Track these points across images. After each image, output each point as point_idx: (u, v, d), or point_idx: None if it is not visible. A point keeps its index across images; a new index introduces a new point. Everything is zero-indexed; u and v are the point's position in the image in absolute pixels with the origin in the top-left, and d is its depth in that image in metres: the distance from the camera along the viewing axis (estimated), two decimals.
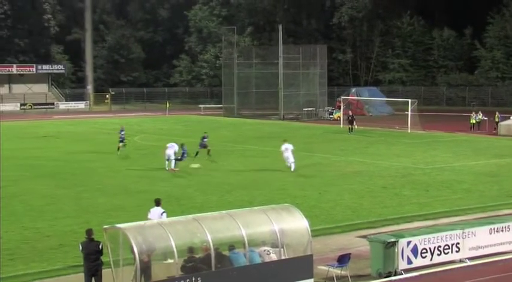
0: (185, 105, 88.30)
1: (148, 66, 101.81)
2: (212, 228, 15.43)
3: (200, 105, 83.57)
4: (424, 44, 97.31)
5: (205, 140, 39.27)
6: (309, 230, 16.50)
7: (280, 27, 74.19)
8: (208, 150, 38.76)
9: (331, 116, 69.99)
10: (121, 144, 40.46)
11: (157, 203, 18.97)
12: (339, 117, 63.35)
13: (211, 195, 27.52)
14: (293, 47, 77.69)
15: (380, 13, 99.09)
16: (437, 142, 46.98)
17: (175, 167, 34.03)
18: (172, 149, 34.14)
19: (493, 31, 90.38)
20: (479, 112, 56.79)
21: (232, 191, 28.49)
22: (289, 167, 33.76)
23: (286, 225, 16.46)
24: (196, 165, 35.16)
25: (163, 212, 18.64)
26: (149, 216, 18.54)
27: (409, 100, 56.76)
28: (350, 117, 54.63)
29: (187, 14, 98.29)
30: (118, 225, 15.19)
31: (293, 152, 34.37)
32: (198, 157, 37.71)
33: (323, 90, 75.81)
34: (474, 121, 55.68)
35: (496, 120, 54.96)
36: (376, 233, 20.57)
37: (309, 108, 72.55)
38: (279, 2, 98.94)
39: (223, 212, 17.25)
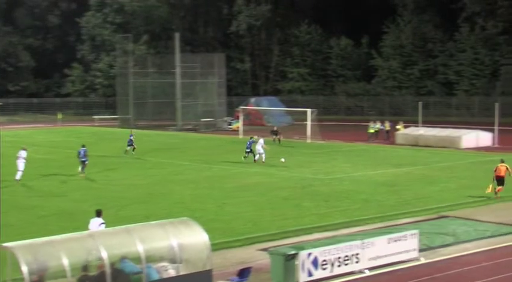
0: (79, 116, 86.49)
1: (38, 75, 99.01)
2: (107, 245, 15.18)
3: (94, 116, 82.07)
4: (323, 53, 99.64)
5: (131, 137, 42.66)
6: (208, 244, 16.52)
7: (176, 35, 74.07)
8: (134, 148, 42.31)
9: (230, 127, 70.38)
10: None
11: (98, 213, 19.35)
12: (238, 127, 63.83)
13: (108, 210, 26.97)
14: (190, 56, 77.73)
15: (278, 21, 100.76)
16: (337, 152, 48.16)
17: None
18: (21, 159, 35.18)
19: (388, 40, 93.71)
20: (377, 121, 58.66)
21: (129, 205, 28.13)
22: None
23: (184, 240, 16.42)
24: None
25: (102, 223, 18.94)
26: (89, 226, 18.97)
27: (309, 110, 57.91)
28: (274, 130, 54.52)
29: (79, 21, 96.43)
30: (5, 245, 14.68)
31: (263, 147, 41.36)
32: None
33: (222, 100, 76.17)
34: (372, 131, 57.46)
35: (387, 128, 57.01)
36: (277, 246, 20.83)
37: (208, 119, 72.72)
38: (175, 9, 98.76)
39: (119, 227, 16.99)
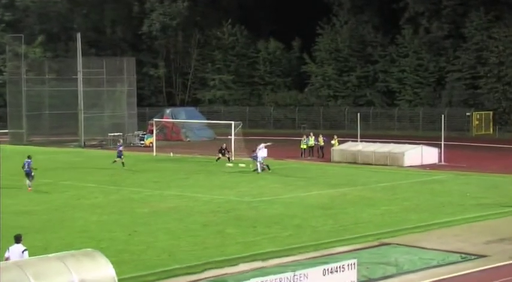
0: None
1: None
2: None
3: None
4: (249, 57, 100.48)
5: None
6: (116, 279, 16.33)
7: (78, 35, 73.27)
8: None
9: (142, 142, 70.02)
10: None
11: (18, 239, 18.89)
12: (151, 143, 63.52)
13: None
14: (95, 60, 77.05)
15: (197, 21, 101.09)
16: (265, 171, 48.45)
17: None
18: None
19: (323, 44, 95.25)
20: (311, 135, 59.31)
21: (23, 236, 27.51)
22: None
23: (88, 275, 16.22)
24: None
25: (25, 249, 18.56)
26: (7, 255, 18.44)
27: (233, 122, 58.14)
28: (222, 149, 54.05)
29: None
30: None
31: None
32: None
33: (132, 112, 75.72)
34: (305, 146, 58.13)
35: (321, 144, 57.82)
36: (197, 280, 20.72)
37: (116, 133, 72.06)
38: (76, 5, 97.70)
39: (9, 261, 16.58)
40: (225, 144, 54.77)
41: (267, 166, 47.85)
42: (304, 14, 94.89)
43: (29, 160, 41.22)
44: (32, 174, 40.80)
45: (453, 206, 34.20)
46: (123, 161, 50.34)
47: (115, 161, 50.79)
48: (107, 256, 16.94)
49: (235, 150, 55.76)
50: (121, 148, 51.85)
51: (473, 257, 24.14)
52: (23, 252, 18.59)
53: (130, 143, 71.05)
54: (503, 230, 28.28)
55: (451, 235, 27.71)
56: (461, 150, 61.17)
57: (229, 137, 57.37)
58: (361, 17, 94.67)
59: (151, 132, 66.38)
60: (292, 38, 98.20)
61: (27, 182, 40.67)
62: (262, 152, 48.02)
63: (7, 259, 18.30)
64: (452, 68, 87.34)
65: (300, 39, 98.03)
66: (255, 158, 47.98)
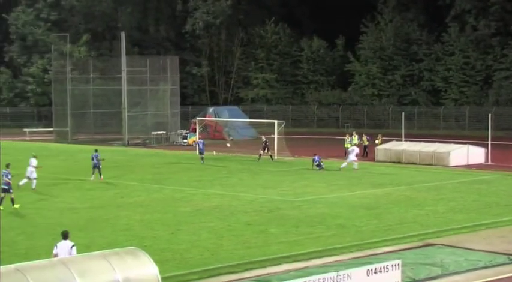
0: (6, 128, 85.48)
1: None
2: (40, 280, 15.03)
3: (25, 129, 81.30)
4: (292, 55, 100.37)
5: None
6: (159, 277, 16.44)
7: (122, 34, 73.90)
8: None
9: (185, 141, 70.35)
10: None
11: (65, 235, 19.08)
12: (194, 141, 63.81)
13: (39, 240, 26.76)
14: (139, 59, 77.63)
15: (240, 19, 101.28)
16: (308, 170, 48.37)
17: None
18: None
19: (367, 42, 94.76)
20: (355, 134, 59.03)
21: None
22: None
23: (131, 273, 16.34)
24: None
25: (73, 245, 18.78)
26: (55, 251, 18.63)
27: (276, 121, 58.15)
28: (265, 143, 54.72)
29: (7, 18, 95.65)
30: None
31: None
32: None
33: (175, 111, 76.15)
34: (349, 145, 57.82)
35: (365, 143, 57.55)
36: (239, 279, 20.75)
37: (159, 132, 72.59)
38: (120, 4, 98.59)
39: (54, 259, 16.77)
40: (264, 137, 55.09)
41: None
42: (347, 12, 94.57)
43: (96, 153, 43.84)
44: (100, 166, 43.30)
45: (500, 207, 33.78)
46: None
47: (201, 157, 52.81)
48: (150, 255, 17.06)
49: (278, 149, 55.77)
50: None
51: None
52: (71, 247, 18.73)
53: (174, 142, 71.48)
54: None
55: (497, 236, 27.38)
56: (509, 150, 60.36)
57: (272, 136, 57.38)
58: (406, 14, 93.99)
59: (194, 130, 66.68)
60: (335, 36, 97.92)
61: (94, 175, 43.07)
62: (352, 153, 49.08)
63: (55, 256, 18.46)
64: (500, 66, 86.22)
65: (344, 38, 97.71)
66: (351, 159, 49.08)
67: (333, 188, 40.31)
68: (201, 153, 53.64)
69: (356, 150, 49.83)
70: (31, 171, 39.78)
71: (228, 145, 58.77)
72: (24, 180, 39.60)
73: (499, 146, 56.10)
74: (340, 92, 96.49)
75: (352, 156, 48.93)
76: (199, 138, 60.03)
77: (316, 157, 49.12)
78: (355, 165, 48.45)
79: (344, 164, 48.51)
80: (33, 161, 40.32)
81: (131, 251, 17.47)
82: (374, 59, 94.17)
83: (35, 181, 39.76)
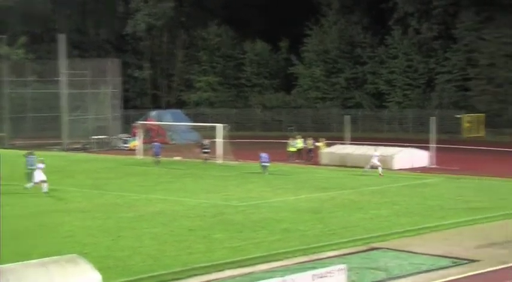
0: None
1: None
2: None
3: None
4: (235, 58, 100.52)
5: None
6: None
7: (61, 37, 73.02)
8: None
9: (126, 145, 69.82)
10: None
11: None
12: (136, 146, 63.43)
13: None
14: (79, 62, 76.79)
15: (183, 21, 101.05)
16: (253, 174, 48.49)
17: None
18: None
19: (311, 45, 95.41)
20: (299, 138, 59.27)
21: (4, 242, 27.42)
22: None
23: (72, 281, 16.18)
24: None
25: None
26: None
27: (219, 125, 58.16)
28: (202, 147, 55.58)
29: None
30: None
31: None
32: None
33: (116, 114, 75.55)
34: (293, 149, 58.16)
35: (310, 146, 57.92)
36: None
37: (100, 136, 71.92)
38: (59, 5, 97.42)
39: None
40: (206, 141, 55.47)
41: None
42: (291, 14, 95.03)
43: (32, 156, 43.72)
44: (36, 169, 41.31)
45: (443, 210, 34.32)
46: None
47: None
48: (91, 262, 16.92)
49: (222, 154, 55.79)
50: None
51: (464, 261, 24.24)
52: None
53: (115, 146, 70.91)
54: (494, 235, 28.39)
55: (441, 239, 27.81)
56: (452, 153, 61.34)
57: (216, 139, 57.35)
58: (350, 17, 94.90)
59: (136, 135, 66.23)
60: (279, 39, 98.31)
61: (33, 181, 40.68)
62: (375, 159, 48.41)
63: None
64: (442, 69, 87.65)
65: (288, 40, 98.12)
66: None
67: (278, 192, 40.46)
68: (156, 156, 53.47)
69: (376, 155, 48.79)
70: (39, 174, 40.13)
71: (177, 158, 58.41)
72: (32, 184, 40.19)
73: (443, 149, 56.87)
74: (284, 95, 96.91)
75: (375, 161, 48.12)
76: (156, 141, 59.78)
77: (263, 154, 49.19)
78: (380, 170, 47.65)
79: (380, 170, 47.88)
80: (41, 166, 40.91)
81: (72, 258, 17.31)
82: (318, 62, 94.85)
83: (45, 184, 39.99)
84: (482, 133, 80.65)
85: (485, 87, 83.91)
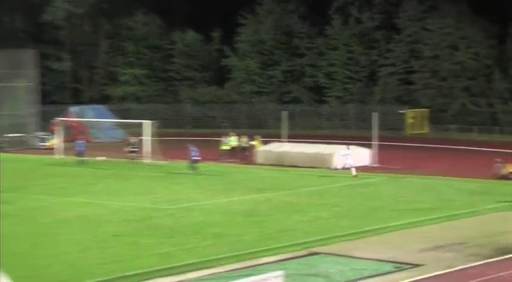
0: None
1: None
2: None
3: None
4: (163, 49, 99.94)
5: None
6: None
7: None
8: None
9: (43, 144, 68.90)
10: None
11: None
12: (54, 144, 62.69)
13: None
14: None
15: (106, 9, 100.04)
16: (183, 175, 48.44)
17: None
18: None
19: (245, 35, 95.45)
20: (232, 135, 59.34)
21: None
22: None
23: None
24: None
25: None
26: None
27: (146, 121, 57.88)
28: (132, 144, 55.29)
29: None
30: None
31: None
32: None
33: (33, 110, 74.48)
34: (226, 147, 58.23)
35: (245, 145, 58.05)
36: None
37: (16, 134, 70.82)
38: None
39: None
40: (133, 139, 55.27)
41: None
42: (224, 3, 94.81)
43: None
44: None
45: (386, 212, 34.85)
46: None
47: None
48: (7, 272, 16.72)
49: (150, 153, 55.58)
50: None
51: (408, 266, 24.64)
52: None
53: (31, 145, 69.94)
54: (438, 237, 28.95)
55: (384, 243, 28.24)
56: (395, 151, 62.26)
57: (143, 137, 57.10)
58: (287, 5, 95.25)
59: (55, 132, 65.40)
60: (211, 29, 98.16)
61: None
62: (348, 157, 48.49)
63: None
64: (385, 61, 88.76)
65: (220, 30, 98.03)
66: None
67: (210, 193, 40.51)
68: (80, 155, 53.32)
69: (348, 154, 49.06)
70: None
71: (101, 158, 57.91)
72: None
73: (385, 147, 57.66)
74: (217, 89, 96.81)
75: (349, 162, 48.31)
76: (79, 140, 59.11)
77: (193, 148, 49.07)
78: (353, 171, 47.70)
79: (354, 171, 47.83)
80: None
81: None
82: (253, 54, 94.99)
83: None
84: (426, 129, 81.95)
85: (429, 80, 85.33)
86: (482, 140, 74.00)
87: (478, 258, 25.52)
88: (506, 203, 36.55)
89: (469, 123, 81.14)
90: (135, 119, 64.88)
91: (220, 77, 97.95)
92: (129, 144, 56.33)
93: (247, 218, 33.24)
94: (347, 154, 49.04)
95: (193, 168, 48.58)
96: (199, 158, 49.04)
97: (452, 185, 43.91)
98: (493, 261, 25.09)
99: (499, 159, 47.76)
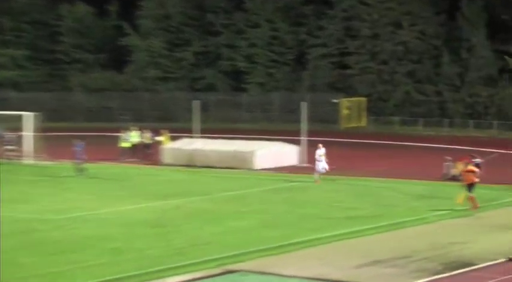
0: None
1: None
2: None
3: None
4: (49, 26, 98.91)
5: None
6: None
7: None
8: None
9: None
10: None
11: None
12: None
13: None
14: None
15: None
16: (73, 178, 48.05)
17: None
18: None
19: (148, 9, 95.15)
20: (134, 130, 59.08)
21: None
22: None
23: None
24: None
25: None
26: None
27: (28, 113, 57.22)
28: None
29: None
30: None
31: None
32: None
33: None
34: (127, 144, 57.87)
35: (148, 141, 57.88)
36: None
37: None
38: None
39: None
40: (10, 134, 54.70)
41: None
42: None
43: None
44: None
45: (318, 220, 35.14)
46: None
47: None
48: None
49: (33, 151, 54.99)
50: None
51: None
52: None
53: None
54: (377, 250, 29.32)
55: (314, 257, 28.49)
56: (328, 148, 62.58)
57: (23, 133, 56.47)
58: None
59: None
60: (107, 1, 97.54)
61: None
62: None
63: None
64: (316, 41, 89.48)
65: (118, 3, 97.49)
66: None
67: (107, 200, 40.29)
68: None
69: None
70: None
71: None
72: None
73: (316, 143, 58.15)
74: (115, 74, 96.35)
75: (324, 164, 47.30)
76: None
77: (77, 144, 48.79)
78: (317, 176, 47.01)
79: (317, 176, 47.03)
80: None
81: None
82: (158, 31, 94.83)
83: None
84: (364, 122, 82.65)
85: (367, 64, 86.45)
86: (429, 134, 75.43)
87: (424, 274, 25.94)
88: (457, 210, 37.19)
89: (414, 114, 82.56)
90: (13, 111, 64.07)
91: (119, 59, 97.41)
92: (6, 141, 55.53)
93: (152, 229, 33.18)
94: (320, 154, 47.99)
95: (80, 170, 48.24)
96: (84, 157, 48.66)
97: (394, 188, 44.55)
98: (441, 278, 25.58)
99: (448, 158, 48.60)
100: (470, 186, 37.15)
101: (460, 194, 37.62)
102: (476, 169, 38.66)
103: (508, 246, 29.20)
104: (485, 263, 26.80)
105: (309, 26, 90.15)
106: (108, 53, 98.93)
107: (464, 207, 37.03)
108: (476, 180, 37.52)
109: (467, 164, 39.62)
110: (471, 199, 36.99)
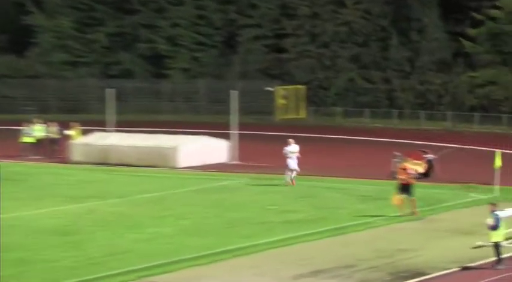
0: None
1: None
2: None
3: None
4: None
5: None
6: None
7: None
8: None
9: None
10: None
11: None
12: None
13: None
14: None
15: None
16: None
17: None
18: None
19: None
20: (38, 123, 58.83)
21: None
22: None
23: None
24: None
25: None
26: None
27: None
28: None
29: None
30: None
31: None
32: None
33: None
34: (29, 139, 57.49)
35: (55, 136, 57.58)
36: None
37: None
38: None
39: None
40: None
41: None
42: None
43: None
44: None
45: (251, 225, 35.38)
46: None
47: None
48: None
49: None
50: None
51: None
52: None
53: None
54: (318, 258, 29.64)
55: (247, 267, 28.74)
56: (261, 143, 63.12)
57: None
58: None
59: None
60: None
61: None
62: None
63: None
64: (248, 21, 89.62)
65: None
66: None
67: (9, 204, 40.02)
68: None
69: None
70: None
71: None
72: None
73: (248, 137, 58.39)
74: (15, 58, 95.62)
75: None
76: None
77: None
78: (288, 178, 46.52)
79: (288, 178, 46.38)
80: None
81: None
82: (65, 9, 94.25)
83: None
84: (302, 114, 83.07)
85: (306, 47, 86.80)
86: (376, 126, 76.15)
87: None
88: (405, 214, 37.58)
89: (359, 104, 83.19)
90: None
91: (20, 41, 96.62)
92: None
93: (62, 237, 33.12)
94: (291, 152, 47.35)
95: None
96: None
97: (337, 188, 44.93)
98: None
99: (397, 153, 48.94)
100: (405, 187, 37.16)
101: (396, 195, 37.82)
102: (411, 168, 38.70)
103: (462, 253, 29.72)
104: (437, 273, 27.28)
105: (239, 3, 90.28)
106: (7, 35, 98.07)
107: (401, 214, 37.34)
108: (412, 181, 37.44)
109: (406, 160, 39.70)
110: (412, 202, 37.18)
